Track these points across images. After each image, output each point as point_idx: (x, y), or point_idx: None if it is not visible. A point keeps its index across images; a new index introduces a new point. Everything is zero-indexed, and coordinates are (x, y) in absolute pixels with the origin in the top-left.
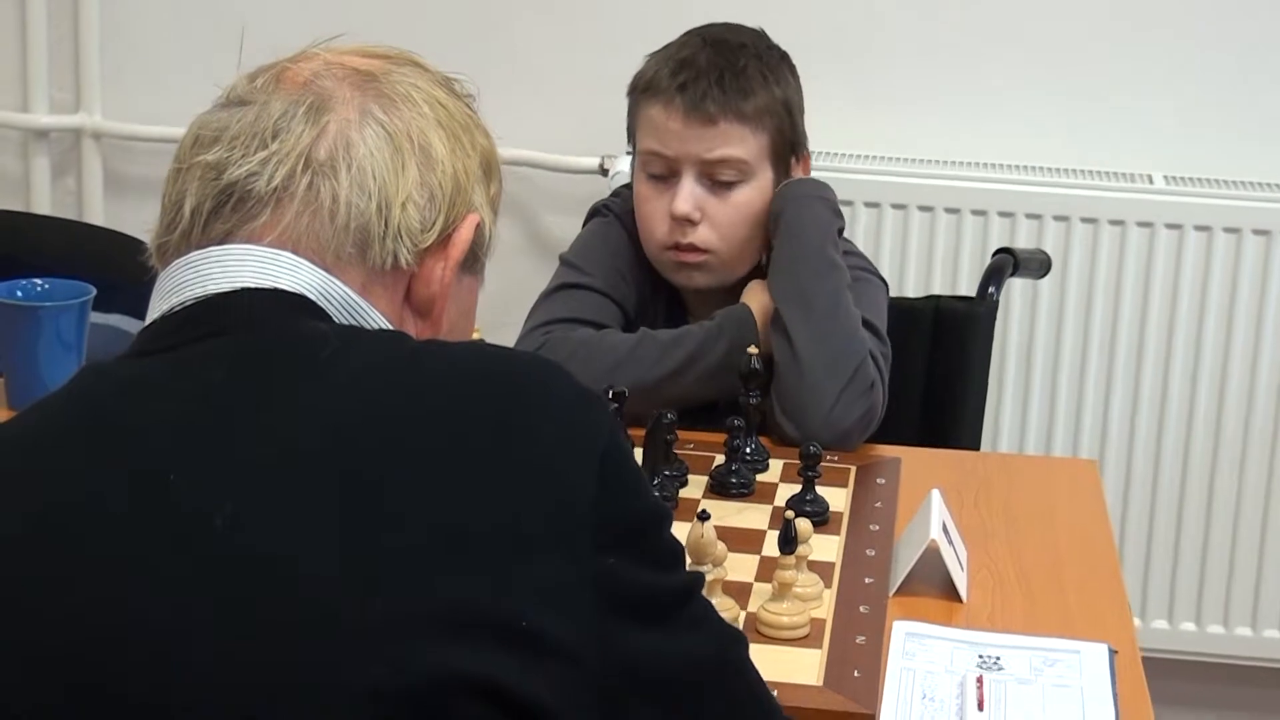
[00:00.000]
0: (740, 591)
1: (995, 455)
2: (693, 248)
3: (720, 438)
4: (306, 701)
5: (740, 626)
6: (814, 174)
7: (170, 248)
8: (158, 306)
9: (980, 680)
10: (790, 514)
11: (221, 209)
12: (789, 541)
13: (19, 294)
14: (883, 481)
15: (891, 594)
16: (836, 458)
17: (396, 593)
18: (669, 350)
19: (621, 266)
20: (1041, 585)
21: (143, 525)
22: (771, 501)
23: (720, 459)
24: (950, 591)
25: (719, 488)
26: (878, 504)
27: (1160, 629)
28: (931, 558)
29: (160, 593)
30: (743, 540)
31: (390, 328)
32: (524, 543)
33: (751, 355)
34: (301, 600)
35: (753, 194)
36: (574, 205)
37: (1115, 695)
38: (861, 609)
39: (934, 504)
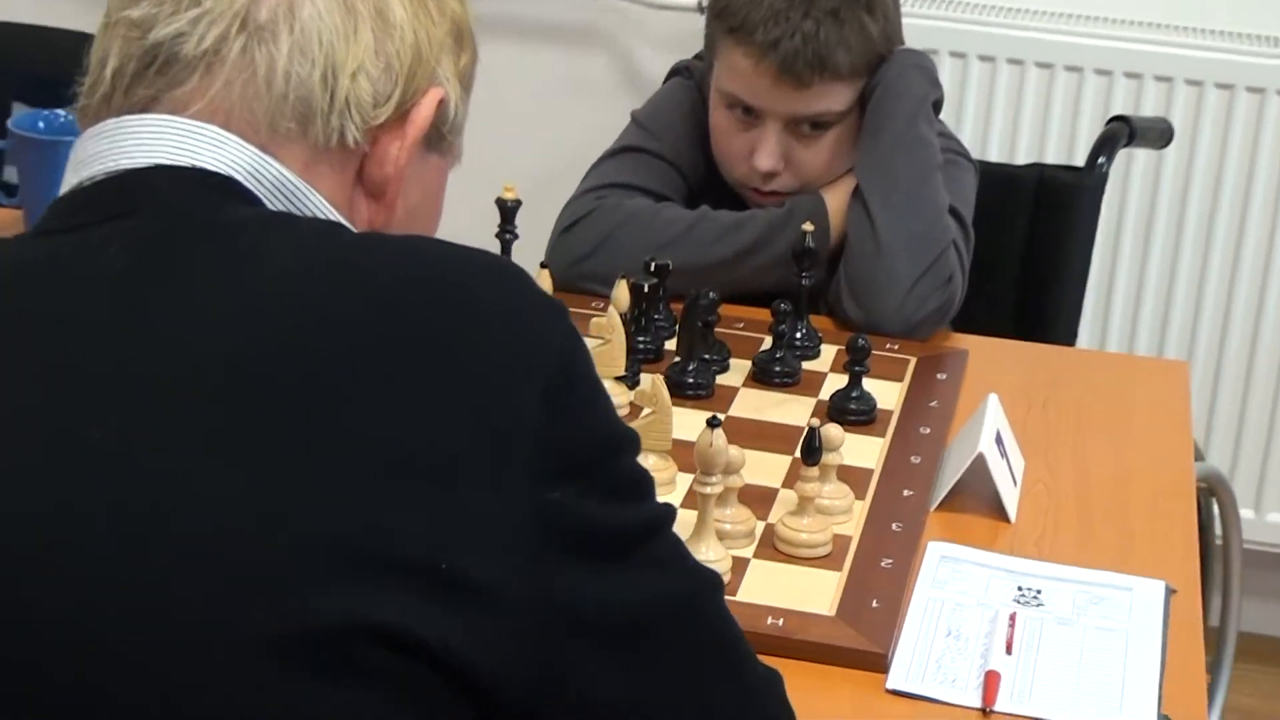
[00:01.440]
0: (763, 499)
1: (1075, 351)
2: (774, 193)
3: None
4: (184, 646)
5: (756, 539)
6: (927, 20)
7: (90, 112)
8: (70, 179)
9: (1013, 618)
10: (815, 421)
11: (145, 72)
12: (812, 451)
13: (41, 125)
14: (944, 377)
15: (932, 509)
16: (896, 346)
17: (293, 527)
18: (729, 234)
19: (692, 135)
20: (1103, 507)
21: (13, 431)
22: (817, 394)
23: (768, 342)
24: (998, 510)
25: (761, 375)
26: (933, 403)
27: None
28: (979, 472)
29: (28, 506)
30: (778, 438)
31: (331, 214)
32: (448, 472)
33: (807, 233)
34: (180, 533)
35: (842, 132)
36: (668, 43)
37: (1165, 641)
38: (894, 527)
39: (989, 410)
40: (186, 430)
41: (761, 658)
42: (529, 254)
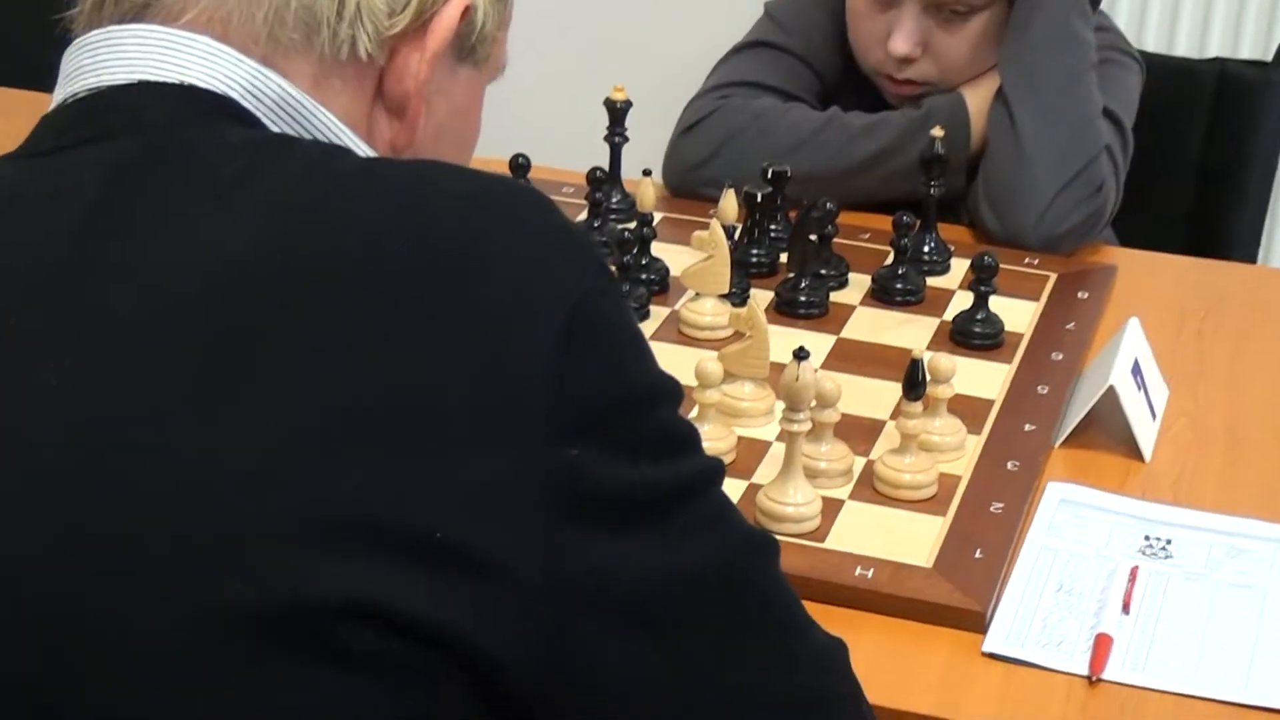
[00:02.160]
0: (869, 432)
1: (1239, 268)
2: (909, 82)
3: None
4: (142, 619)
5: (854, 478)
6: None
7: (82, 20)
8: (56, 95)
9: (1134, 572)
10: (920, 351)
11: None
12: (914, 386)
13: None
14: (1085, 296)
15: (1056, 444)
16: (1036, 261)
17: (264, 489)
18: (860, 139)
19: (828, 28)
20: (1253, 446)
21: None
22: (941, 313)
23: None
24: (1131, 447)
25: (881, 293)
26: (1070, 325)
27: None
28: (1110, 406)
29: None
30: (893, 363)
31: (342, 134)
32: (446, 429)
33: (936, 139)
34: (140, 491)
35: (989, 21)
36: None
37: None
38: (1010, 465)
39: (1127, 335)
40: (150, 378)
41: (849, 612)
42: (644, 159)
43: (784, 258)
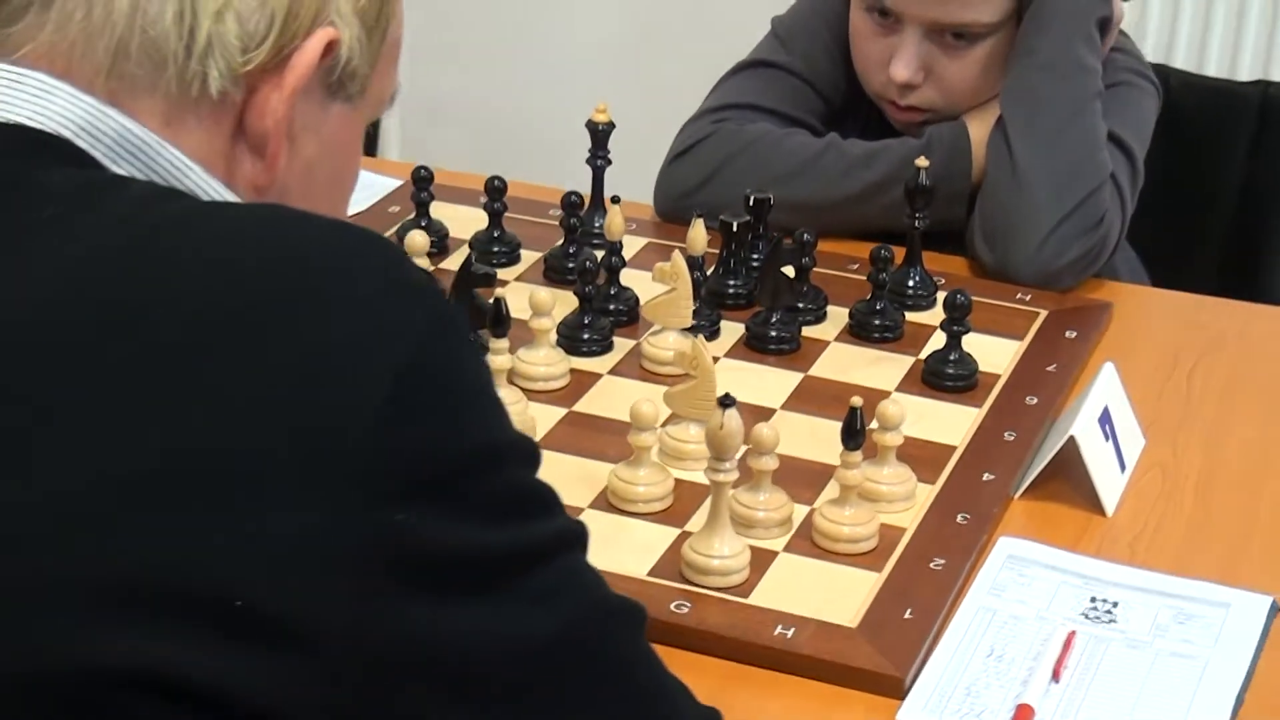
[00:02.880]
0: (818, 477)
1: (1249, 308)
2: (913, 109)
3: (901, 253)
4: None
5: (793, 528)
6: None
7: None
8: None
9: (1070, 639)
10: (857, 401)
11: None
12: (853, 435)
13: None
14: (1074, 335)
15: (1016, 495)
16: (1028, 297)
17: (42, 551)
18: (858, 167)
19: (834, 49)
20: (1224, 504)
21: None
22: (919, 351)
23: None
24: (1095, 500)
25: (859, 329)
26: (1051, 367)
27: None
28: (1072, 457)
29: None
30: (872, 398)
31: (190, 174)
32: (256, 488)
33: (920, 169)
34: None
35: (994, 47)
36: None
37: (1255, 661)
38: (960, 518)
39: (1099, 381)
40: None
41: (764, 673)
42: (630, 182)
43: None
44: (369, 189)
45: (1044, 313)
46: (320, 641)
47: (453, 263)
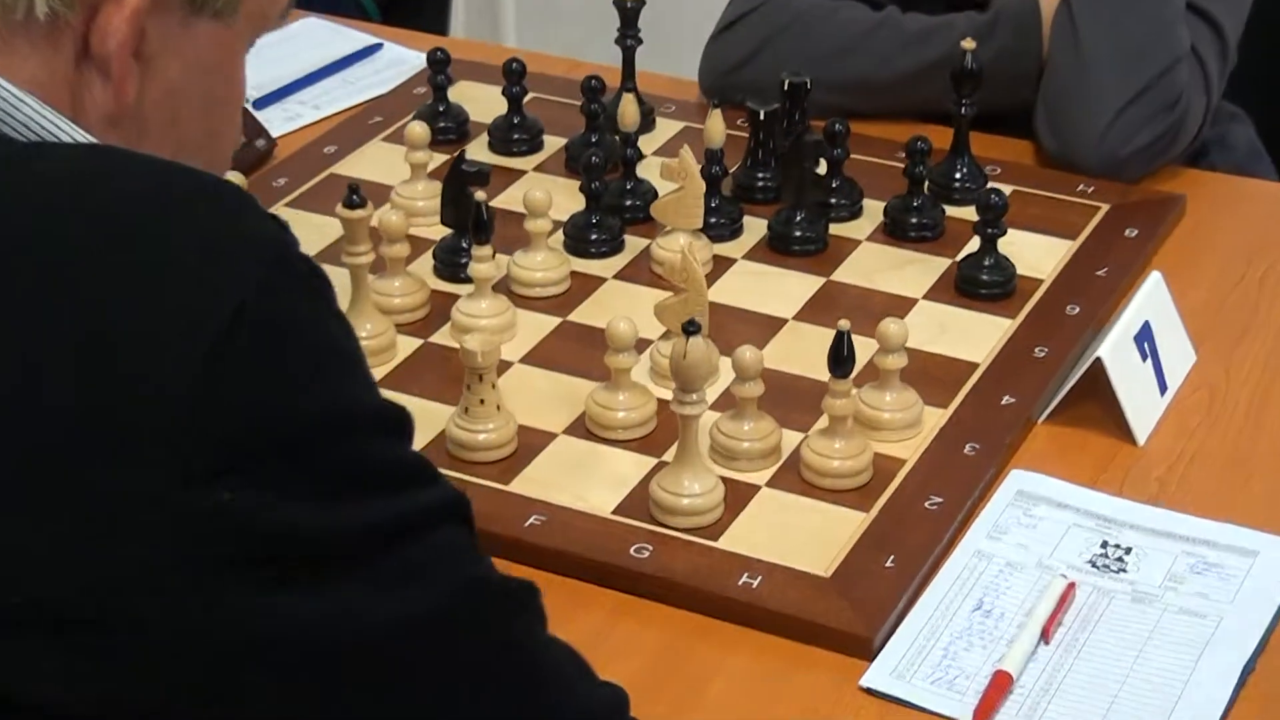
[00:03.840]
0: (820, 399)
1: None
2: None
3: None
4: None
5: (781, 458)
6: None
7: None
8: None
9: (1069, 591)
10: (844, 324)
11: None
12: (840, 362)
13: None
14: (1134, 234)
15: (1039, 421)
16: (1091, 189)
17: None
18: (916, 44)
19: None
20: (1277, 432)
21: None
22: (957, 253)
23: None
24: (1126, 427)
25: (894, 227)
26: (1102, 271)
27: None
28: (1098, 380)
29: None
30: (883, 313)
31: (22, 105)
32: (48, 472)
33: (967, 51)
34: None
35: None
36: None
37: (1276, 620)
38: (968, 449)
39: (1142, 293)
40: None
41: (725, 626)
42: (665, 62)
43: None
44: (399, 65)
45: (1105, 207)
46: (146, 635)
47: (470, 152)
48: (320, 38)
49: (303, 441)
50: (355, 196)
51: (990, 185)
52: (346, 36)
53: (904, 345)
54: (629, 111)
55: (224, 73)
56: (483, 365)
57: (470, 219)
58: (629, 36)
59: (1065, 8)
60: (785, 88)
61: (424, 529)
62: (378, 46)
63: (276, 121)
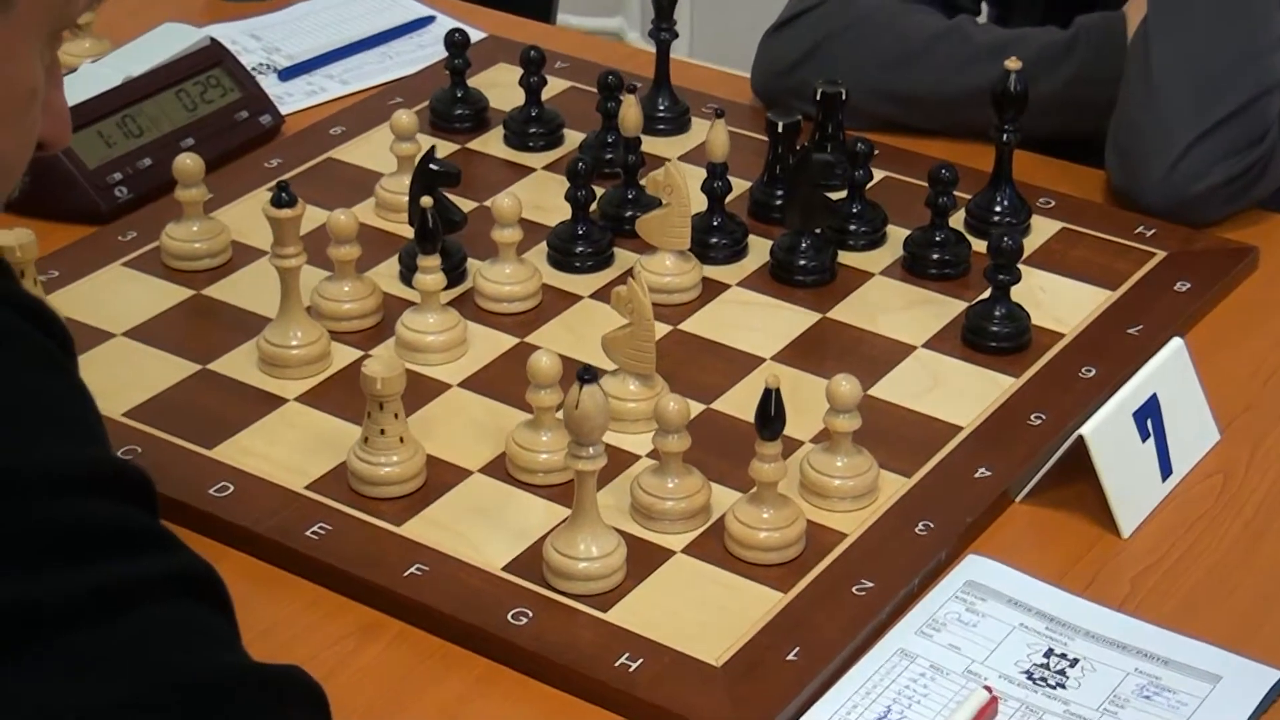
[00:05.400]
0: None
1: None
2: None
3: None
4: None
5: (710, 519)
6: None
7: None
8: None
9: (988, 707)
10: (773, 381)
11: None
12: (767, 422)
13: None
14: (1185, 287)
15: (1018, 499)
16: (1152, 231)
17: None
18: (984, 58)
19: None
20: None
21: None
22: (976, 296)
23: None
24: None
25: (911, 262)
26: (1135, 329)
27: None
28: (1083, 460)
29: None
30: (876, 360)
31: None
32: None
33: (1011, 71)
34: None
35: None
36: None
37: None
38: (920, 527)
39: (1156, 363)
40: None
41: (598, 712)
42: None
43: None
44: (433, 46)
45: (1161, 254)
46: None
47: (484, 143)
48: (375, 5)
49: None
50: (284, 194)
51: (1030, 220)
52: (403, 5)
53: (856, 406)
54: (630, 115)
55: (5, 71)
56: (383, 393)
57: (417, 227)
58: (663, 29)
59: (1142, 28)
60: (818, 97)
61: (128, 608)
62: (429, 19)
63: (298, 95)
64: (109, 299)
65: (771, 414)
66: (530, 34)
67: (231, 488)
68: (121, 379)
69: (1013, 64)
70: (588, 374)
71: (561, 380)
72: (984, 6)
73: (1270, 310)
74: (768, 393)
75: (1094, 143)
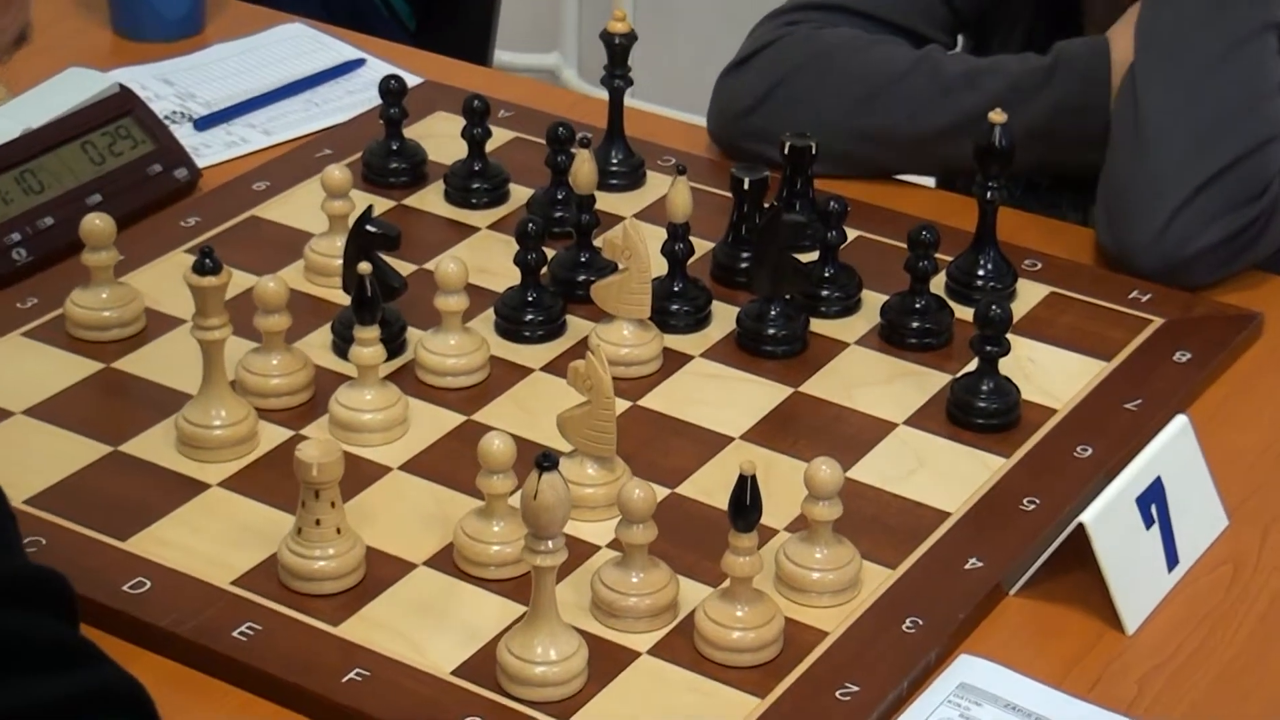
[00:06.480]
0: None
1: None
2: None
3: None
4: None
5: (677, 617)
6: None
7: None
8: None
9: None
10: (748, 466)
11: None
12: (741, 512)
13: None
14: (1185, 359)
15: (1012, 591)
16: (1148, 296)
17: None
18: (956, 91)
19: None
20: None
21: None
22: (960, 368)
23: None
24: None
25: (889, 331)
26: (1133, 404)
27: None
28: (1082, 550)
29: None
30: (851, 440)
31: None
32: None
33: (996, 124)
34: None
35: None
36: None
37: None
38: (908, 624)
39: (1160, 442)
40: None
41: None
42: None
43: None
44: (364, 91)
45: (1158, 321)
46: None
47: (423, 200)
48: (299, 48)
49: None
50: (208, 260)
51: (1016, 284)
52: (330, 48)
53: (838, 492)
54: (584, 171)
55: None
56: (319, 480)
57: (353, 296)
58: (616, 76)
59: (1130, 73)
60: (786, 151)
61: None
62: (359, 62)
63: (216, 147)
64: (7, 373)
65: (747, 503)
66: (470, 79)
67: (148, 584)
68: (22, 463)
69: (997, 116)
70: (547, 461)
71: (515, 464)
72: (959, 39)
73: (1277, 381)
74: (742, 480)
75: (1074, 179)
